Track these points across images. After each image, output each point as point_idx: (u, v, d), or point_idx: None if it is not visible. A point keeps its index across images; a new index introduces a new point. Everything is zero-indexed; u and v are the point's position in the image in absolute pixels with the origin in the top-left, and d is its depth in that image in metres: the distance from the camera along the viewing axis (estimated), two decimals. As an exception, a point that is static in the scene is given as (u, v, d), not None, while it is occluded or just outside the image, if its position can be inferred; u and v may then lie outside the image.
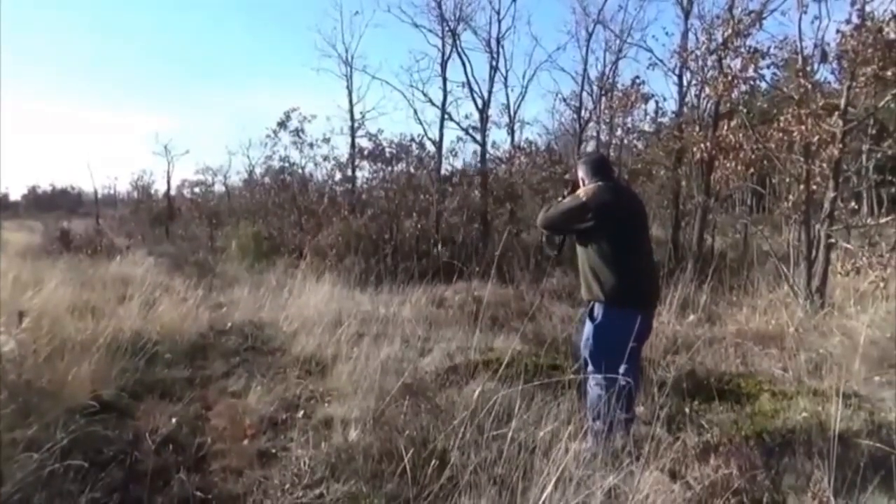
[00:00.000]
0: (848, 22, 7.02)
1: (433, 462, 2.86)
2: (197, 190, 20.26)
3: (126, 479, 2.91)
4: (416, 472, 2.84)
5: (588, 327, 3.43)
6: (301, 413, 3.93)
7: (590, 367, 3.38)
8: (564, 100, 16.40)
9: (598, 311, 3.36)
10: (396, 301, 7.64)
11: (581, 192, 3.52)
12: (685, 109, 13.29)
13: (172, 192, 22.43)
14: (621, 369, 3.11)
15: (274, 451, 3.44)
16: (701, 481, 2.46)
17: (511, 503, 2.43)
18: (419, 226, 11.91)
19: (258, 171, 17.49)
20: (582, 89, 14.83)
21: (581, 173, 3.66)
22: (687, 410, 4.13)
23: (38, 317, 4.57)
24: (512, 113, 16.80)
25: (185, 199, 20.55)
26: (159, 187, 24.46)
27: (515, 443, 2.78)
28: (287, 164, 15.09)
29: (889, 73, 6.83)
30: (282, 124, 14.57)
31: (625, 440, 3.16)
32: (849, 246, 7.40)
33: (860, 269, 6.96)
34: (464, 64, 14.96)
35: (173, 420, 3.74)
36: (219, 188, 20.09)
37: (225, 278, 9.45)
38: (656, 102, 14.69)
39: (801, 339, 5.83)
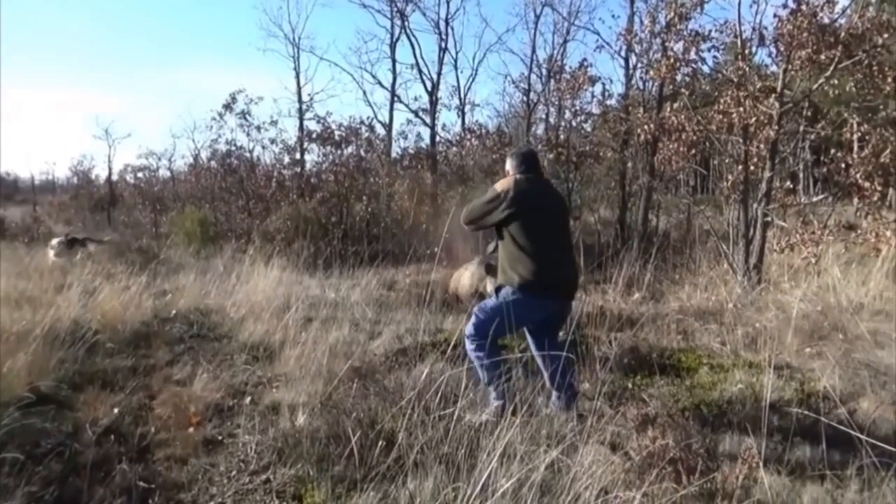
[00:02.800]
0: (784, 6, 7.26)
1: (380, 443, 2.88)
2: (140, 175, 19.68)
3: (65, 472, 2.84)
4: (363, 454, 2.85)
5: (490, 301, 3.57)
6: (248, 399, 3.89)
7: (471, 336, 3.49)
8: (514, 82, 16.50)
9: (507, 291, 3.47)
10: (346, 285, 7.60)
11: (497, 184, 3.62)
12: (631, 92, 13.52)
13: (114, 178, 21.72)
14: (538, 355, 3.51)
15: (220, 438, 3.40)
16: (639, 452, 2.55)
17: (457, 480, 2.46)
18: (369, 209, 11.84)
19: (204, 154, 17.07)
20: (531, 72, 14.96)
21: (508, 166, 3.73)
22: (629, 385, 4.27)
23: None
24: (462, 95, 16.83)
25: (128, 185, 19.93)
26: (100, 172, 23.67)
27: (462, 422, 2.81)
28: (234, 148, 14.76)
29: (823, 56, 7.09)
30: (227, 107, 14.19)
31: (568, 415, 3.26)
32: (784, 224, 7.69)
33: (794, 246, 7.26)
34: (413, 45, 14.97)
35: (115, 410, 3.66)
36: (163, 173, 19.56)
37: (170, 265, 9.21)
38: (603, 85, 14.95)
39: (739, 314, 6.05)
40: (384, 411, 3.40)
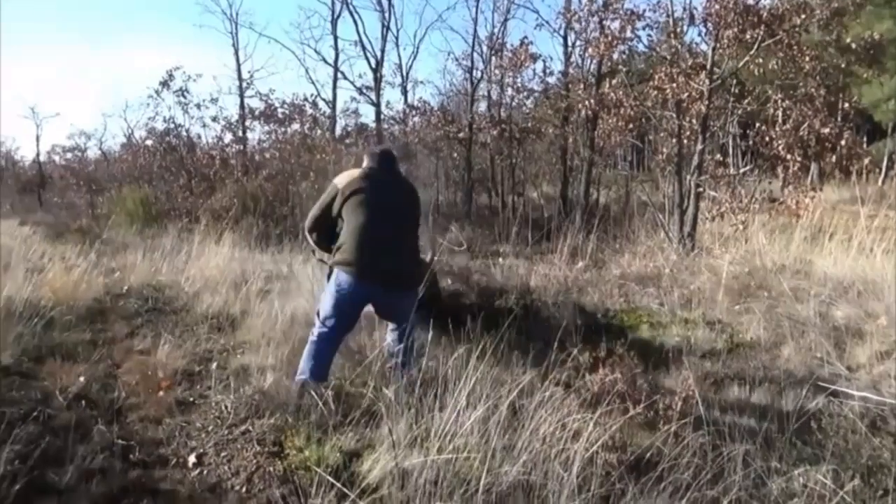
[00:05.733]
0: (712, -13, 7.66)
1: (352, 394, 3.07)
2: (69, 156, 18.96)
3: (43, 433, 2.91)
4: (337, 404, 3.04)
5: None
6: (214, 365, 3.99)
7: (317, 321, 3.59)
8: (457, 59, 16.65)
9: (334, 274, 3.53)
10: (299, 259, 7.67)
11: (336, 178, 3.71)
12: (571, 69, 13.90)
13: (42, 159, 20.83)
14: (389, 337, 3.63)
15: (192, 399, 3.50)
16: (590, 388, 2.82)
17: (429, 421, 2.68)
18: (316, 186, 11.84)
19: (138, 134, 16.60)
20: (473, 49, 15.11)
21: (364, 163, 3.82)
22: (577, 340, 4.57)
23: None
24: (405, 73, 16.87)
25: (57, 166, 19.18)
26: (25, 154, 22.64)
27: (430, 371, 3.02)
28: (172, 126, 14.43)
29: (748, 35, 7.55)
30: (164, 84, 13.86)
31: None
32: (715, 194, 8.19)
33: (724, 215, 7.76)
34: (355, 22, 14.88)
35: (81, 379, 3.70)
36: (93, 153, 18.89)
37: (113, 244, 9.03)
38: (544, 62, 15.28)
39: (675, 277, 6.46)
40: (350, 370, 3.60)
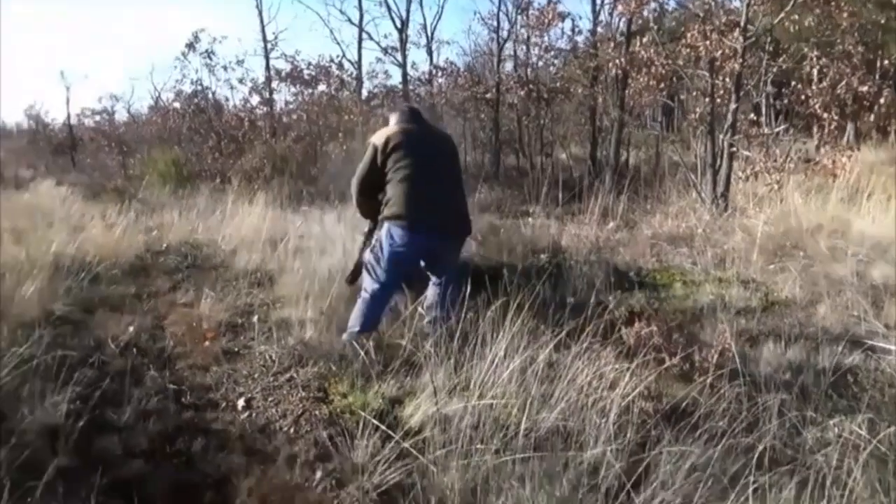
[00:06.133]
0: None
1: (392, 345, 3.16)
2: (98, 118, 19.19)
3: (100, 377, 3.05)
4: (378, 354, 3.14)
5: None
6: (256, 317, 4.11)
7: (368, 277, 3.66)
8: (482, 19, 16.39)
9: (384, 229, 3.56)
10: (331, 218, 7.76)
11: (372, 137, 3.72)
12: (599, 28, 13.61)
13: (72, 121, 21.10)
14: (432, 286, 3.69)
15: (236, 349, 3.63)
16: (626, 341, 2.87)
17: (468, 371, 2.76)
18: (345, 147, 11.88)
19: (165, 96, 16.71)
20: (498, 9, 14.84)
21: (390, 122, 3.83)
22: (610, 298, 4.61)
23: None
24: (430, 33, 16.68)
25: (87, 128, 19.44)
26: (56, 116, 22.94)
27: (468, 324, 3.08)
28: (200, 88, 14.52)
29: (784, -9, 7.33)
30: (190, 46, 13.92)
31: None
32: (748, 154, 8.06)
33: (758, 175, 7.65)
34: (380, -20, 14.64)
35: (131, 329, 3.85)
36: (122, 116, 19.08)
37: (148, 204, 9.22)
38: (572, 21, 14.96)
39: (708, 237, 6.42)
40: (388, 324, 3.68)
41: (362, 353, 3.13)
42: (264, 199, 7.88)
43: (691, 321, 4.02)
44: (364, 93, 15.51)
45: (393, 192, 3.52)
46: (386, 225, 3.54)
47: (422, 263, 3.76)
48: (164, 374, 3.24)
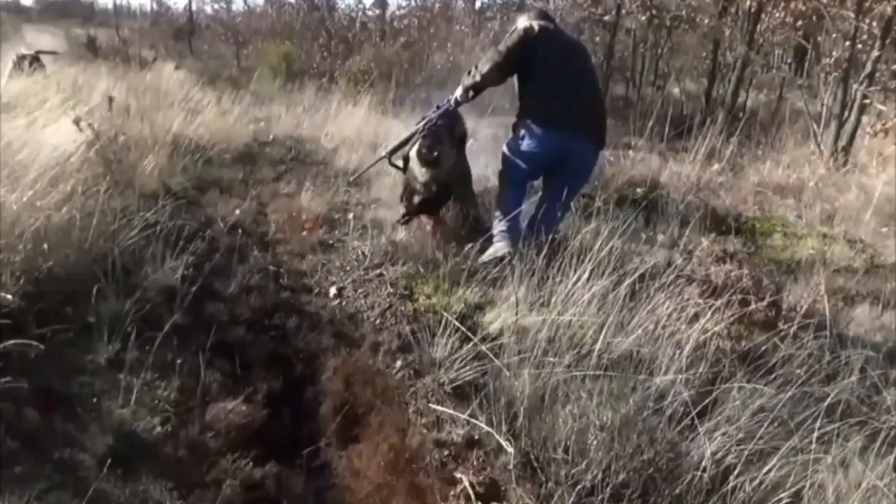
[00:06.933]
0: None
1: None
2: (217, 7, 19.74)
3: (210, 251, 3.32)
4: (464, 263, 3.25)
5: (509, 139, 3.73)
6: (351, 215, 4.30)
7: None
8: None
9: (521, 129, 3.60)
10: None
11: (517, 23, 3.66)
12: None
13: (193, 8, 21.79)
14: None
15: (331, 242, 3.83)
16: (714, 280, 2.85)
17: (551, 287, 2.82)
18: (451, 59, 11.77)
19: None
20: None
21: (519, 23, 3.72)
22: (704, 241, 4.50)
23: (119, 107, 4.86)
24: (552, -55, 15.86)
25: (206, 16, 20.08)
26: (177, 1, 23.72)
27: (559, 241, 3.11)
28: (315, -17, 14.60)
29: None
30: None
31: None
32: (882, 108, 7.42)
33: (888, 132, 7.06)
34: None
35: (237, 211, 4.13)
36: (238, 6, 19.52)
37: (258, 96, 9.56)
38: (708, -57, 13.76)
39: (819, 192, 6.08)
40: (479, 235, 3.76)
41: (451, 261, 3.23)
42: (368, 102, 8.00)
43: (786, 272, 3.90)
44: (477, 3, 15.16)
45: (533, 90, 3.55)
46: (525, 124, 3.57)
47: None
48: (266, 255, 3.50)
